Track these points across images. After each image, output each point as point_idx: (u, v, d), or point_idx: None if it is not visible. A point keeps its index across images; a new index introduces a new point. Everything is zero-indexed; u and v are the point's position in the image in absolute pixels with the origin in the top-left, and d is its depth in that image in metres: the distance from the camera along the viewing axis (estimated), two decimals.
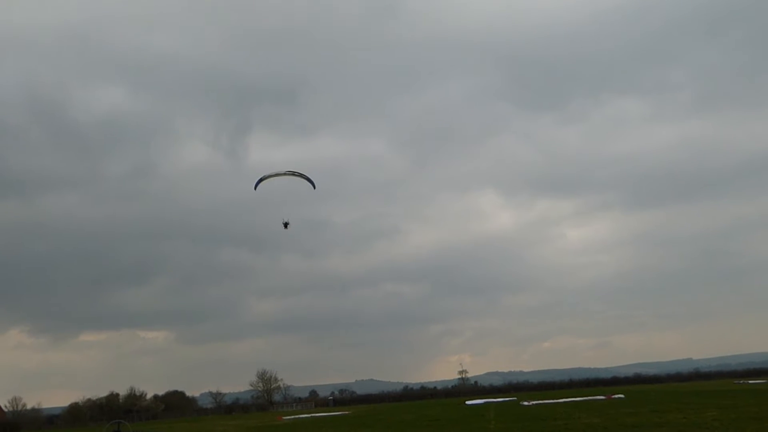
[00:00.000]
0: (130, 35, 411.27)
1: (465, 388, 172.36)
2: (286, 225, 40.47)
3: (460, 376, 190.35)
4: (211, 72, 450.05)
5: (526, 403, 69.83)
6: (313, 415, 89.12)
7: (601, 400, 66.77)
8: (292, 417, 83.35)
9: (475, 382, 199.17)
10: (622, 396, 69.73)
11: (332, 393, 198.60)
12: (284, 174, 39.65)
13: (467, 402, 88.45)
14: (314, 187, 40.88)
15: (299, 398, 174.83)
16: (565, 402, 66.32)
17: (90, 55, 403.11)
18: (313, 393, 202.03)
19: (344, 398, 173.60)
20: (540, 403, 67.03)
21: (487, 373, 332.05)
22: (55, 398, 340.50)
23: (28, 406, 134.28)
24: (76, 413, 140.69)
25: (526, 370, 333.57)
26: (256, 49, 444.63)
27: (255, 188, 40.08)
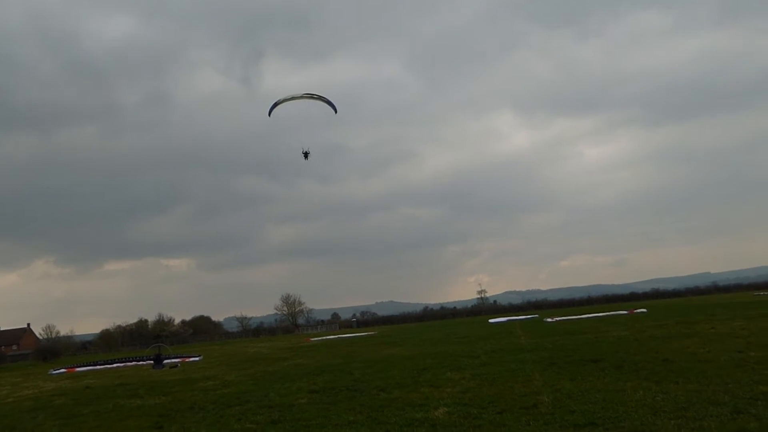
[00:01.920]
0: None
1: (484, 307, 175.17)
2: (306, 155, 37.81)
3: (479, 296, 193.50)
4: None
5: (549, 319, 71.11)
6: (339, 336, 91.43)
7: (624, 314, 67.76)
8: (320, 338, 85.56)
9: (494, 302, 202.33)
10: (644, 310, 70.80)
11: (354, 315, 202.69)
12: (301, 97, 36.91)
13: (490, 320, 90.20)
14: (335, 111, 37.90)
15: (322, 321, 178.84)
16: (588, 317, 67.35)
17: None
18: (335, 315, 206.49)
19: (367, 320, 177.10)
20: (563, 319, 68.22)
21: (506, 292, 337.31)
22: (85, 325, 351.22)
23: (62, 333, 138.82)
24: (108, 339, 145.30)
25: (543, 288, 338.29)
26: None
27: (269, 114, 37.68)
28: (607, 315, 69.35)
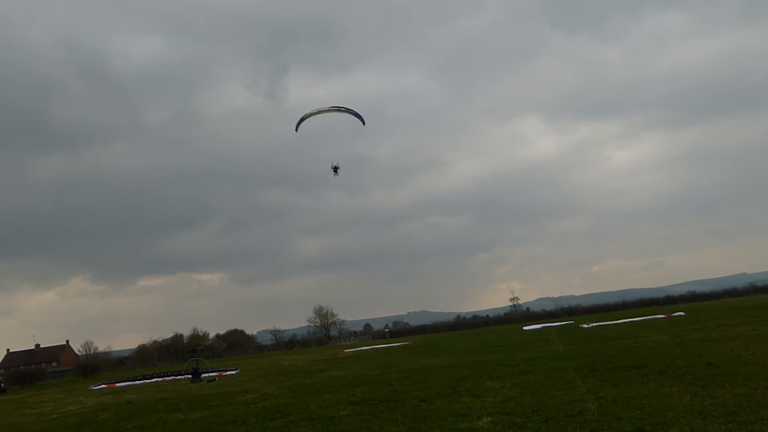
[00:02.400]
0: None
1: (518, 315, 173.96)
2: (335, 170, 36.91)
3: (511, 303, 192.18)
4: (246, 15, 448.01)
5: (585, 325, 70.24)
6: (373, 347, 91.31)
7: (662, 318, 66.72)
8: (354, 350, 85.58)
9: (527, 309, 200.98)
10: (682, 313, 69.57)
11: (386, 325, 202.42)
12: (328, 111, 36.33)
13: (524, 328, 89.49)
14: (363, 123, 37.69)
15: (354, 332, 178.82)
16: (624, 323, 66.51)
17: (127, 4, 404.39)
18: (368, 326, 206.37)
19: (400, 330, 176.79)
20: (600, 325, 67.38)
21: (538, 299, 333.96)
22: (122, 341, 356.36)
23: (100, 349, 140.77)
24: (145, 354, 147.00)
25: (576, 294, 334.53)
26: None
27: (296, 129, 37.01)
28: (644, 319, 68.36)
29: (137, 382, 55.49)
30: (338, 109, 36.56)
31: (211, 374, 51.43)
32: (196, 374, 48.64)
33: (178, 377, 55.20)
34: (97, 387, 54.29)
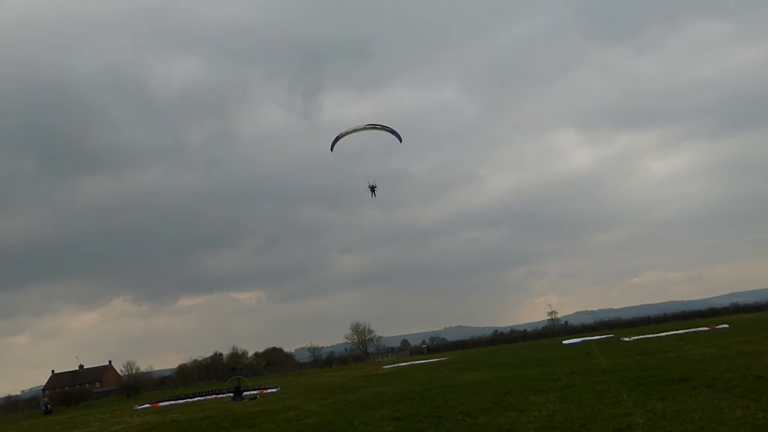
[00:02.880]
0: (199, 6, 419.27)
1: (556, 329, 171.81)
2: (373, 189, 36.21)
3: (549, 317, 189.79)
4: (280, 35, 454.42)
5: (626, 339, 69.31)
6: (411, 363, 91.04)
7: (705, 331, 65.52)
8: (392, 366, 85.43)
9: (566, 322, 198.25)
10: (726, 326, 68.22)
11: (423, 341, 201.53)
12: (363, 129, 35.70)
13: (564, 342, 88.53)
14: (400, 140, 37.40)
15: (392, 348, 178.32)
16: (667, 335, 65.41)
17: (165, 30, 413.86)
18: (405, 342, 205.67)
19: (437, 345, 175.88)
20: (641, 338, 66.42)
21: (576, 313, 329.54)
22: (163, 361, 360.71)
23: (142, 369, 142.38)
24: (185, 373, 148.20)
25: (615, 307, 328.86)
26: (320, 7, 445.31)
27: (332, 149, 36.51)
28: (687, 332, 67.27)
29: (180, 401, 56.18)
30: (374, 127, 36.11)
31: (252, 392, 51.83)
32: (237, 392, 49.08)
33: (220, 395, 55.81)
34: (141, 407, 55.09)
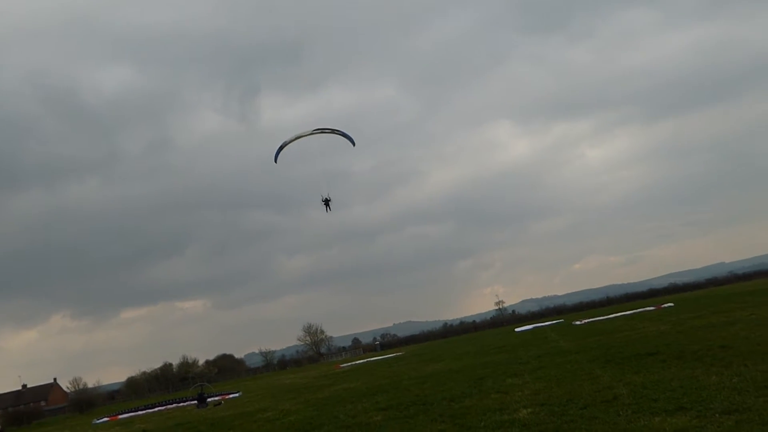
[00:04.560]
0: (129, 13, 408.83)
1: (505, 318, 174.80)
2: (327, 203, 33.93)
3: (497, 307, 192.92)
4: (212, 39, 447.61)
5: (578, 322, 71.16)
6: (368, 360, 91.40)
7: (652, 310, 67.83)
8: (349, 364, 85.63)
9: (513, 311, 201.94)
10: (671, 304, 70.75)
11: (375, 338, 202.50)
12: (310, 134, 33.11)
13: (516, 329, 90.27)
14: (353, 144, 34.95)
15: (343, 347, 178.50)
16: (616, 317, 67.43)
17: (93, 37, 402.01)
18: (356, 341, 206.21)
19: (389, 341, 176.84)
20: (592, 321, 68.41)
21: (522, 301, 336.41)
22: (109, 375, 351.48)
23: (89, 385, 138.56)
24: (135, 386, 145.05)
25: (560, 293, 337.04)
26: (253, 10, 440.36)
27: (275, 160, 34.21)
28: (634, 312, 69.44)
29: (140, 412, 55.17)
30: (322, 131, 33.60)
31: (215, 398, 51.35)
32: (201, 399, 48.52)
33: (181, 404, 55.09)
34: (100, 420, 53.84)
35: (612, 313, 77.44)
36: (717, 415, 12.16)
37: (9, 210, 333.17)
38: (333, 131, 33.95)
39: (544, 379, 22.29)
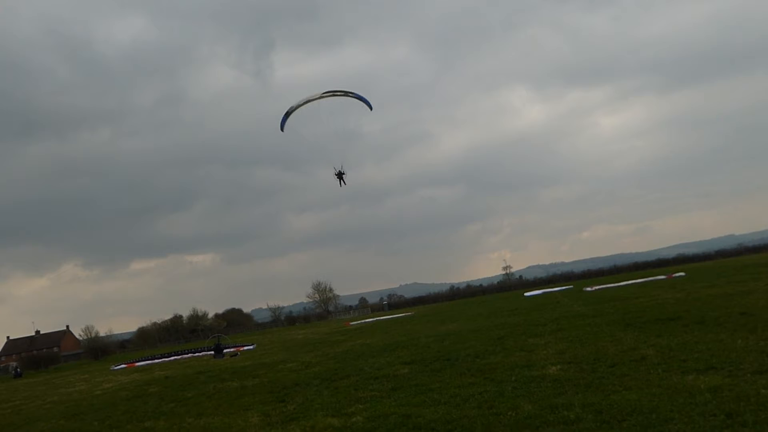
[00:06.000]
0: None
1: (511, 283, 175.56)
2: (341, 176, 32.55)
3: (504, 272, 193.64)
4: None
5: (588, 288, 71.53)
6: (377, 318, 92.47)
7: (663, 279, 68.07)
8: (359, 322, 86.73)
9: (520, 276, 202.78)
10: (682, 274, 70.99)
11: (382, 298, 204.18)
12: (319, 98, 31.30)
13: (526, 294, 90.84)
14: (371, 108, 33.49)
15: (350, 306, 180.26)
16: (628, 284, 67.77)
17: None
18: (363, 300, 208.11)
19: (396, 302, 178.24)
20: (603, 288, 68.75)
21: (529, 267, 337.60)
22: (119, 325, 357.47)
23: (101, 333, 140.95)
24: (145, 336, 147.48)
25: (567, 260, 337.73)
26: None
27: (282, 128, 32.73)
28: (645, 281, 69.72)
29: (157, 360, 56.37)
30: (334, 94, 31.68)
31: (231, 350, 52.37)
32: (218, 350, 49.56)
33: (198, 354, 56.21)
34: (118, 367, 55.09)
35: (623, 281, 77.68)
36: (749, 375, 12.52)
37: (23, 158, 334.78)
38: (346, 94, 32.29)
39: (566, 339, 22.68)
